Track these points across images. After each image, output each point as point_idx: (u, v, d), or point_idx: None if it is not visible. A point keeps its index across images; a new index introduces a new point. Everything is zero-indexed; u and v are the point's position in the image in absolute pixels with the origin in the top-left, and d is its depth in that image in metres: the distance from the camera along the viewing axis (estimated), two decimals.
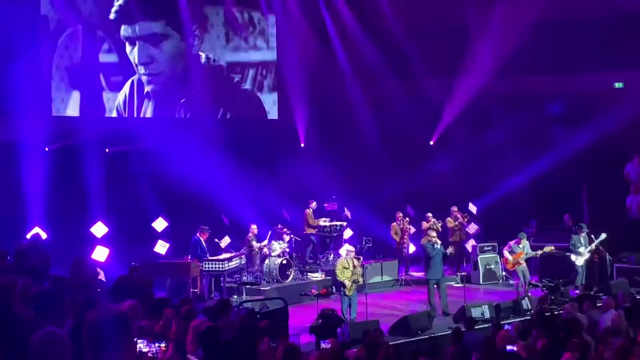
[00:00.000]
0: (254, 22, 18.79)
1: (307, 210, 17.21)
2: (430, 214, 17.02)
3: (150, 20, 16.76)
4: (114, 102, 16.38)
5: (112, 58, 16.26)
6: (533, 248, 14.89)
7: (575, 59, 17.33)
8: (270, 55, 19.11)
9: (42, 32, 15.16)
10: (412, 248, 17.40)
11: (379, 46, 19.14)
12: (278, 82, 19.10)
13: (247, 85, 18.71)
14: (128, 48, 16.58)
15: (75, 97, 15.69)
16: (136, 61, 16.64)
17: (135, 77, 16.66)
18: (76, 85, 15.65)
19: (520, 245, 14.60)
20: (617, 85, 18.13)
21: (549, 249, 14.85)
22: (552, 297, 13.18)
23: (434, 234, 13.95)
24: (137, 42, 16.58)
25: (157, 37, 16.91)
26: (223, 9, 18.08)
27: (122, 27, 16.39)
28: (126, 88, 16.54)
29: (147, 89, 16.88)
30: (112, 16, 16.26)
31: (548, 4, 16.96)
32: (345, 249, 13.26)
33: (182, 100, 17.41)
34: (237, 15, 18.39)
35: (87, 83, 15.84)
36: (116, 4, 16.19)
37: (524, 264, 14.57)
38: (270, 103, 19.12)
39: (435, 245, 13.49)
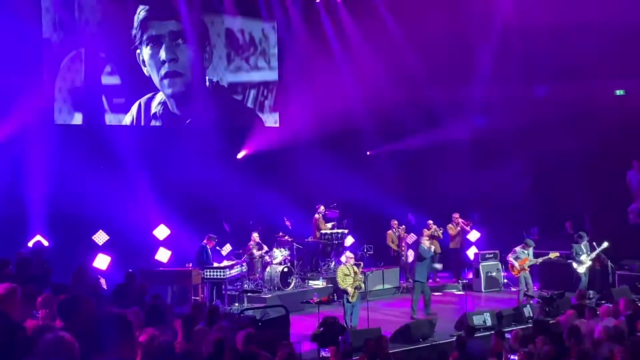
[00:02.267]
0: (255, 42, 18.86)
1: (317, 215, 17.21)
2: (431, 221, 16.99)
3: (177, 21, 17.06)
4: (118, 124, 16.35)
5: (114, 80, 16.22)
6: (535, 255, 14.87)
7: (576, 66, 17.34)
8: (271, 75, 19.15)
9: (44, 55, 15.06)
10: (411, 256, 17.33)
11: (381, 54, 19.19)
12: (279, 102, 19.16)
13: (249, 105, 18.80)
14: (147, 53, 16.60)
15: (78, 118, 15.64)
16: (163, 57, 16.77)
17: (142, 99, 16.69)
18: (78, 107, 15.60)
19: (526, 251, 14.61)
20: (618, 92, 18.15)
21: (554, 255, 14.80)
22: (547, 309, 13.09)
23: (426, 239, 14.13)
24: (164, 40, 16.81)
25: (185, 34, 17.13)
26: (224, 30, 18.14)
27: (151, 24, 16.56)
28: (133, 110, 16.57)
29: (166, 92, 16.96)
30: (142, 14, 16.39)
31: (549, 10, 17.00)
32: (345, 256, 13.31)
33: (188, 121, 17.43)
34: (238, 36, 18.44)
35: (89, 105, 15.79)
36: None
37: (527, 271, 14.56)
38: (271, 122, 19.19)
39: (429, 249, 13.89)
